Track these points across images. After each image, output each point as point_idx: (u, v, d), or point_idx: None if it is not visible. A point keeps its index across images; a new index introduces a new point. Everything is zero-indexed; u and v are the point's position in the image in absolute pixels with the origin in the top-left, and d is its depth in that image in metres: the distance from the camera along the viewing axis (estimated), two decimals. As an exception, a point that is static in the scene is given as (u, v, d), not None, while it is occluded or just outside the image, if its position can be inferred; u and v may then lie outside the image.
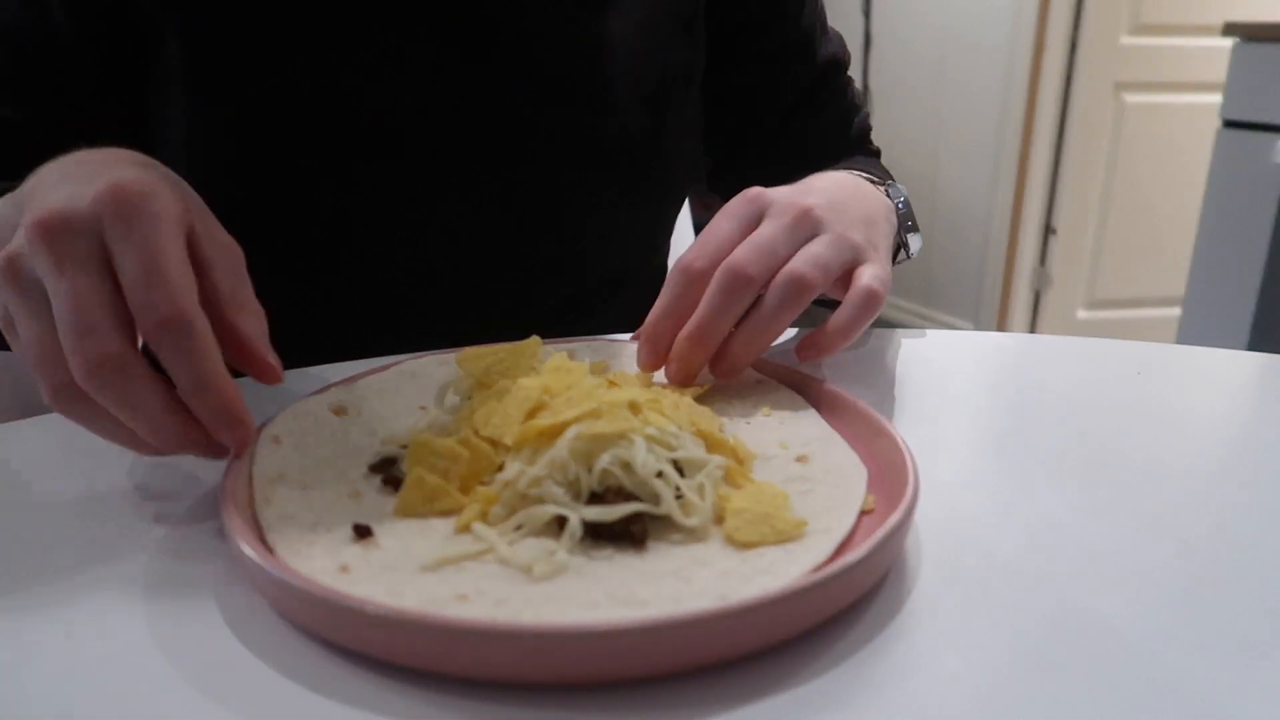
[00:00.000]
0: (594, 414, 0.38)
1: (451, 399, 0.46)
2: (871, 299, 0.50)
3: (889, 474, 0.41)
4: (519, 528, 0.36)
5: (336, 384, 0.48)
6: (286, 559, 0.34)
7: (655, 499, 0.36)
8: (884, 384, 0.58)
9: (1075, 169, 2.97)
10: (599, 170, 0.72)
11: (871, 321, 0.51)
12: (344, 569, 0.33)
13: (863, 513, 0.39)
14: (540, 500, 0.37)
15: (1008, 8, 2.90)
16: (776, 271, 0.49)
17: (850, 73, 0.87)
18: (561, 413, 0.39)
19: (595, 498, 0.37)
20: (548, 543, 0.35)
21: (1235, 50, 2.03)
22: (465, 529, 0.37)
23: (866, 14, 3.17)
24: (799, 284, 0.48)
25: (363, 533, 0.36)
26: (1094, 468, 0.47)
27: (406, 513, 0.38)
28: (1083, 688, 0.31)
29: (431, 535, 0.36)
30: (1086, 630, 0.34)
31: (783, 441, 0.45)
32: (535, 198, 0.70)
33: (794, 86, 0.81)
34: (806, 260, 0.49)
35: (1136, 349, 0.65)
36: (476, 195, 0.69)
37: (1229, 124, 2.07)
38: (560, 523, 0.36)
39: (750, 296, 0.48)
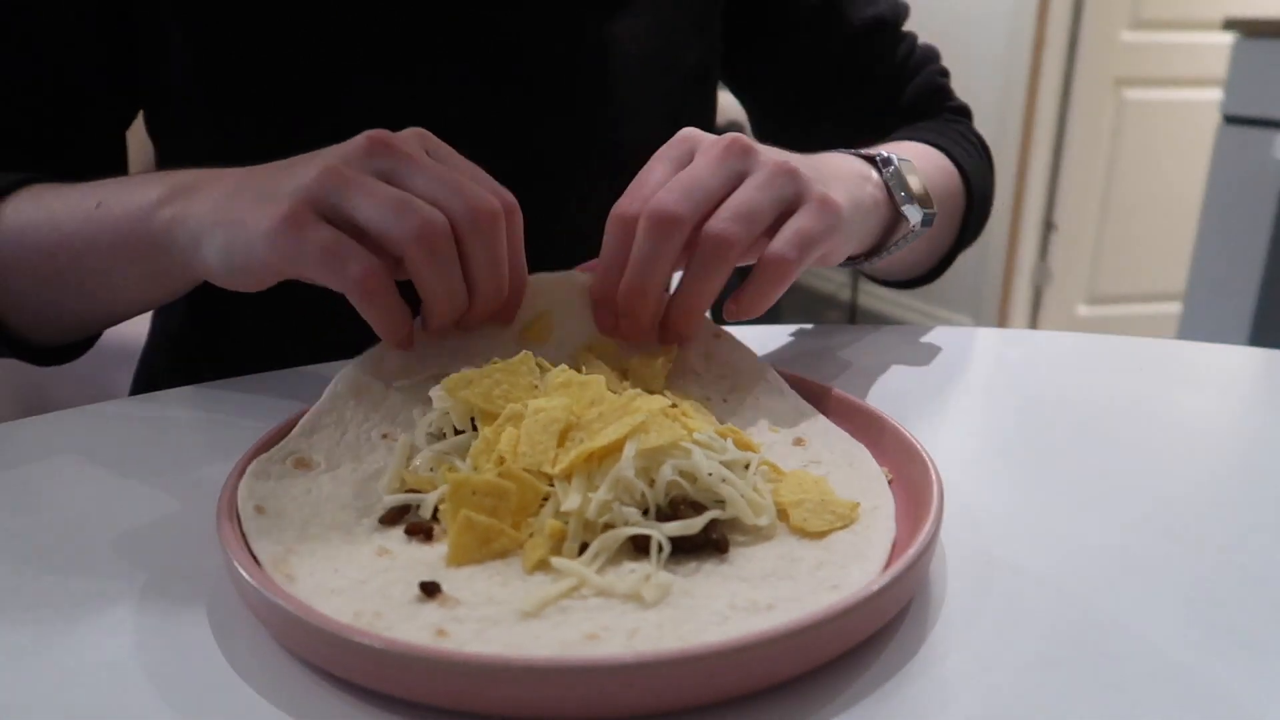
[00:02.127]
0: (642, 428, 0.37)
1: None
2: (779, 270, 0.46)
3: (894, 453, 0.42)
4: (597, 555, 0.34)
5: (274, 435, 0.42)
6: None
7: (720, 504, 0.36)
8: (882, 380, 0.58)
9: (1075, 165, 2.97)
10: (611, 175, 0.71)
11: (786, 286, 0.47)
12: (440, 632, 0.30)
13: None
14: (611, 525, 0.35)
15: (1007, 4, 2.90)
16: (706, 209, 0.46)
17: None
18: (604, 432, 0.36)
19: (662, 512, 0.36)
20: (633, 566, 0.34)
21: (1235, 46, 2.03)
22: (539, 567, 0.34)
23: (866, 10, 3.17)
24: (718, 245, 0.45)
25: (432, 590, 0.33)
26: (1094, 463, 0.47)
27: (461, 560, 0.34)
28: (1082, 681, 0.31)
29: (504, 579, 0.34)
30: (1084, 622, 0.34)
31: (771, 425, 0.45)
32: (546, 204, 0.69)
33: (826, 55, 0.76)
34: (731, 214, 0.45)
35: (1137, 344, 0.65)
36: None
37: (1229, 119, 2.07)
38: (633, 543, 0.35)
39: (680, 238, 0.45)
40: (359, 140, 0.43)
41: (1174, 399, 0.57)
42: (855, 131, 0.75)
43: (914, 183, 0.59)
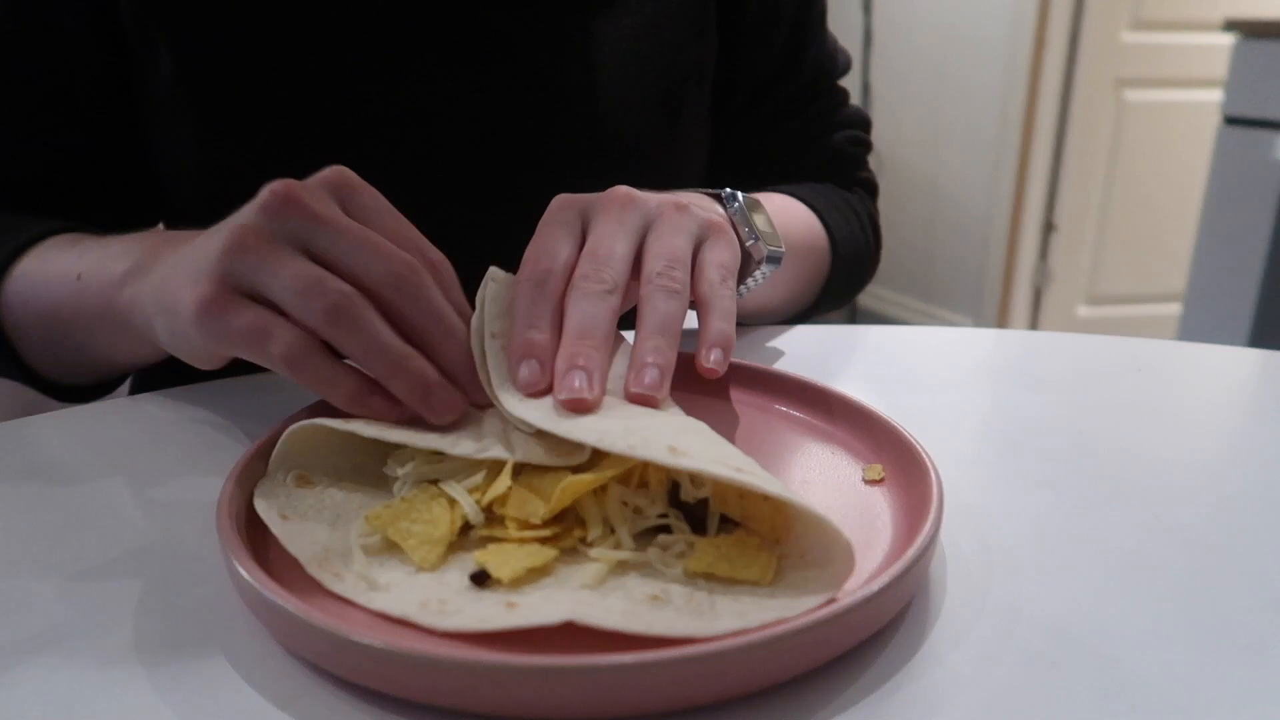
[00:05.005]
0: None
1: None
2: (730, 308, 0.44)
3: (891, 452, 0.42)
4: (621, 544, 0.35)
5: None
6: (428, 623, 0.31)
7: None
8: (882, 381, 0.58)
9: (1076, 165, 2.97)
10: (610, 175, 0.71)
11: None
12: (510, 605, 0.31)
13: (869, 482, 0.42)
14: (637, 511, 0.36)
15: (1008, 4, 2.90)
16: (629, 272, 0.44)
17: (850, 72, 0.82)
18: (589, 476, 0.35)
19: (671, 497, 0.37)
20: (659, 540, 0.35)
21: (1236, 47, 2.03)
22: (570, 551, 0.35)
23: (867, 10, 3.17)
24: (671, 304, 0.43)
25: (482, 579, 0.33)
26: (1094, 464, 0.47)
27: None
28: (1082, 683, 0.31)
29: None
30: (1083, 623, 0.34)
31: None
32: (540, 201, 0.69)
33: (767, 61, 0.77)
34: (665, 266, 0.44)
35: (1137, 345, 0.65)
36: (484, 204, 0.68)
37: (1230, 120, 2.07)
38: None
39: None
40: (264, 196, 0.41)
41: (1174, 400, 0.57)
42: (764, 161, 0.79)
43: (759, 220, 0.60)
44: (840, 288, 0.78)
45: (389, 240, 0.41)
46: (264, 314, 0.39)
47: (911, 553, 0.33)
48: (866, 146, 0.83)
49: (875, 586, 0.31)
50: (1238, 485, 0.46)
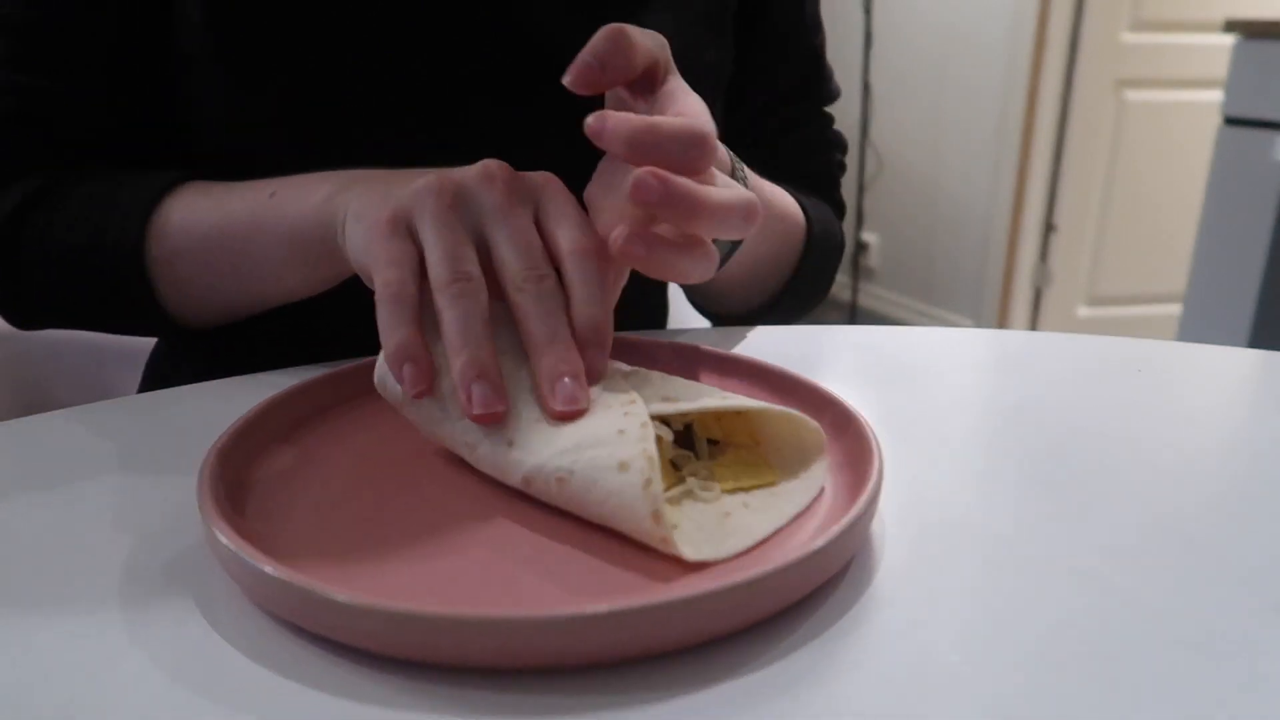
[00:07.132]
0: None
1: None
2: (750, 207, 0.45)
3: (834, 425, 0.44)
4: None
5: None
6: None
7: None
8: (882, 381, 0.58)
9: (1076, 166, 2.97)
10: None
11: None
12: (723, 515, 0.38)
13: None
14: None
15: (1008, 5, 2.90)
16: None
17: (850, 72, 0.85)
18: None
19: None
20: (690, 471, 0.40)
21: (1236, 47, 2.03)
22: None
23: (867, 11, 3.17)
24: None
25: None
26: (1093, 465, 0.47)
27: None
28: (1084, 690, 0.31)
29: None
30: (1086, 628, 0.34)
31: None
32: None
33: (785, 74, 0.79)
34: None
35: (1137, 346, 0.65)
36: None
37: (1230, 121, 2.07)
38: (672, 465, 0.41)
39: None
40: (479, 167, 0.46)
41: (1174, 400, 0.57)
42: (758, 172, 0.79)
43: (753, 180, 0.60)
44: (810, 273, 0.78)
45: (553, 239, 0.45)
46: (409, 254, 0.43)
47: (850, 516, 0.35)
48: (844, 169, 0.87)
49: (822, 540, 0.33)
50: (1238, 485, 0.46)
